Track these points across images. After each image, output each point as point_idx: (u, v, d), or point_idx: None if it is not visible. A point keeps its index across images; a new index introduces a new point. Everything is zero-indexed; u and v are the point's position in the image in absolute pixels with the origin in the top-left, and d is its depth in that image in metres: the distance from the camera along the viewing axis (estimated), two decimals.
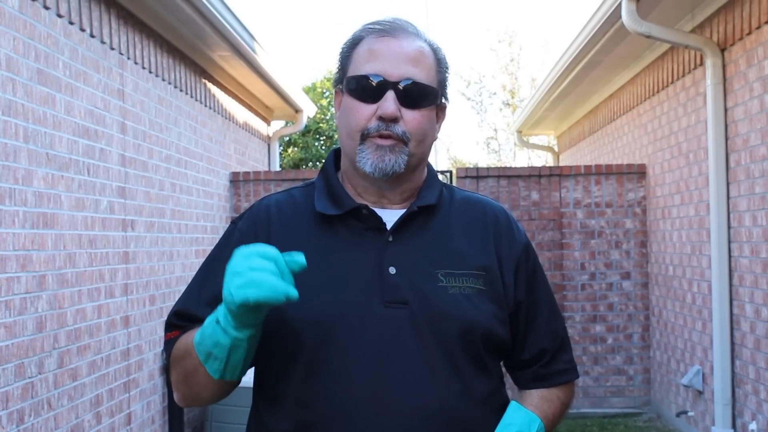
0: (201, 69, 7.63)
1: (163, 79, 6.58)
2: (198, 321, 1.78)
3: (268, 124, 10.92)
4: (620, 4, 6.20)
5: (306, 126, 13.36)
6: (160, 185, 6.44)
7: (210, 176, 7.89)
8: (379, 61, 1.79)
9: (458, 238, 1.86)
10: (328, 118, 15.71)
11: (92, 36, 5.22)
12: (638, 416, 8.29)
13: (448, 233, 1.87)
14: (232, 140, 8.79)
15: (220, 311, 1.64)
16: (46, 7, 4.60)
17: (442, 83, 1.87)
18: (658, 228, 7.96)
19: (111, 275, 5.45)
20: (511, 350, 1.93)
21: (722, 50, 6.12)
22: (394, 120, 1.77)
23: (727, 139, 6.11)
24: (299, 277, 1.66)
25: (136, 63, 5.98)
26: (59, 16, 4.76)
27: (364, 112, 1.79)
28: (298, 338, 1.77)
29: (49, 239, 4.58)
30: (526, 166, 15.54)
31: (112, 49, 5.55)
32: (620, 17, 6.28)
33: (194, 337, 1.72)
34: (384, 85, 1.77)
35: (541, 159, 23.23)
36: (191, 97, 7.32)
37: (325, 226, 1.84)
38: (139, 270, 5.95)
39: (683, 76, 7.04)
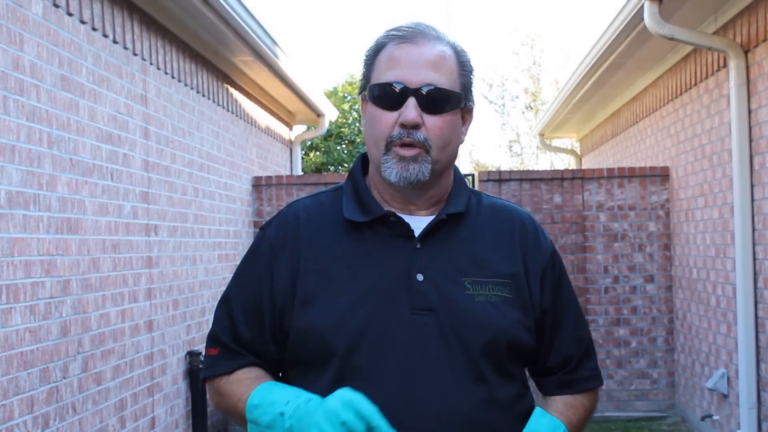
0: (223, 74, 7.66)
1: (186, 84, 6.61)
2: (242, 341, 1.87)
3: (290, 128, 10.95)
4: (642, 6, 6.17)
5: (328, 130, 13.38)
6: (183, 190, 6.47)
7: (232, 180, 7.92)
8: (400, 68, 1.79)
9: (485, 246, 1.87)
10: (349, 122, 15.73)
11: (115, 42, 5.25)
12: (662, 420, 8.24)
13: (476, 240, 1.87)
14: (254, 144, 8.81)
15: (292, 414, 1.71)
16: (70, 14, 4.63)
17: (467, 86, 1.86)
18: (682, 231, 7.91)
19: (134, 280, 5.48)
20: (536, 357, 1.94)
21: (746, 52, 6.08)
22: (416, 127, 1.77)
23: (751, 141, 6.07)
24: (328, 284, 1.76)
25: (158, 68, 6.01)
26: (82, 22, 4.80)
27: (386, 120, 1.79)
28: (327, 346, 1.78)
29: (73, 244, 4.61)
30: (548, 169, 15.49)
31: (135, 54, 5.58)
32: (642, 19, 6.25)
33: (251, 397, 1.79)
34: (405, 92, 1.77)
35: (564, 162, 23.14)
36: (214, 102, 7.35)
37: (353, 233, 1.85)
38: (162, 274, 5.98)
39: (706, 78, 7.00)
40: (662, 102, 8.30)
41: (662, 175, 8.33)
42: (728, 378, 6.72)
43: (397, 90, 1.78)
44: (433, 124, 1.78)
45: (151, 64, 5.86)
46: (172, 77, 6.31)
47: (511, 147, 26.49)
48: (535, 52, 25.22)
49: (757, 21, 5.84)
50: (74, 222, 4.63)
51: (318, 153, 15.81)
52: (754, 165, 6.03)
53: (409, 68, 1.78)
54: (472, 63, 1.89)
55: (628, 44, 7.37)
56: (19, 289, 4.03)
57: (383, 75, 1.81)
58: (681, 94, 7.69)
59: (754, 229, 6.08)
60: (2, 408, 3.85)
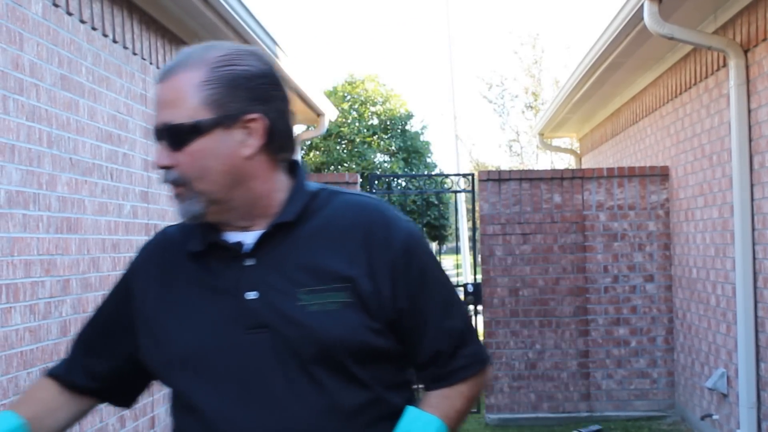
0: None
1: None
2: (83, 347, 2.01)
3: None
4: (642, 5, 6.17)
5: (327, 130, 13.39)
6: None
7: None
8: (154, 111, 1.81)
9: (324, 251, 1.81)
10: (349, 121, 15.75)
11: (115, 41, 5.25)
12: (662, 419, 8.24)
13: (313, 247, 1.82)
14: None
15: None
16: (69, 13, 4.63)
17: (224, 101, 1.75)
18: (682, 230, 7.92)
19: None
20: (406, 355, 1.89)
21: (745, 51, 6.09)
22: (169, 167, 1.77)
23: (750, 140, 6.07)
24: (166, 312, 1.82)
25: (158, 68, 6.01)
26: (82, 21, 4.80)
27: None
28: (168, 377, 1.85)
29: (73, 244, 4.62)
30: (548, 168, 15.50)
31: (135, 54, 5.58)
32: (642, 19, 6.25)
33: None
34: (155, 135, 1.79)
35: (564, 161, 23.15)
36: None
37: (196, 260, 1.85)
38: None
39: (706, 77, 7.00)
40: (662, 101, 8.30)
41: (662, 174, 8.33)
42: (728, 377, 6.72)
43: (154, 134, 1.80)
44: (181, 160, 1.76)
45: (150, 63, 5.86)
46: None
47: (510, 147, 26.49)
48: (536, 52, 25.19)
49: (756, 20, 5.84)
50: (74, 221, 4.63)
51: (318, 152, 15.83)
52: (754, 164, 6.03)
53: (156, 110, 1.79)
54: (250, 69, 1.78)
55: (628, 44, 7.37)
56: (18, 288, 4.04)
57: None
58: (681, 93, 7.70)
59: (753, 229, 6.08)
60: (2, 408, 3.85)
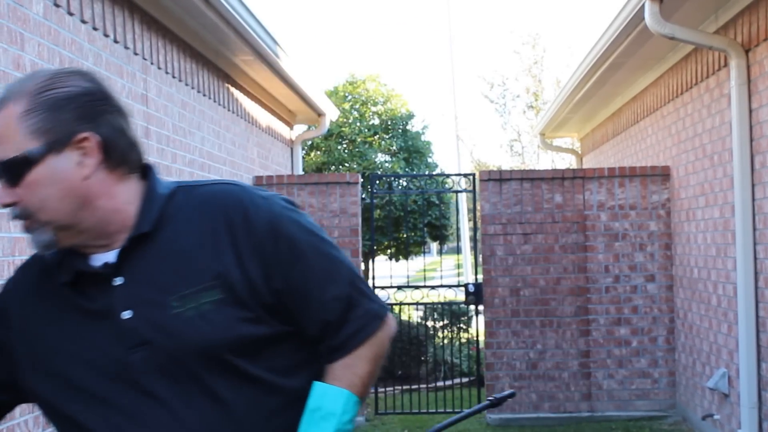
0: (224, 73, 7.66)
1: (187, 84, 6.62)
2: None
3: (291, 128, 10.95)
4: (643, 5, 6.17)
5: (329, 130, 13.39)
6: None
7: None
8: None
9: (188, 253, 1.77)
10: (350, 121, 15.75)
11: (116, 41, 5.25)
12: (663, 419, 8.24)
13: (176, 251, 1.78)
14: (255, 144, 8.82)
15: None
16: (71, 13, 4.64)
17: (46, 128, 1.70)
18: (683, 230, 7.91)
19: None
20: (297, 333, 1.84)
21: (746, 51, 6.08)
22: (10, 205, 1.74)
23: (752, 140, 6.07)
24: (44, 349, 1.77)
25: (159, 68, 6.01)
26: (83, 21, 4.80)
27: None
28: (55, 406, 1.81)
29: None
30: (549, 168, 15.50)
31: (136, 54, 5.58)
32: (643, 19, 6.25)
33: None
34: None
35: (565, 161, 23.14)
36: (214, 101, 7.35)
37: (68, 287, 1.81)
38: None
39: (707, 77, 7.00)
40: (663, 101, 8.30)
41: (663, 174, 8.33)
42: (729, 377, 6.72)
43: None
44: (21, 194, 1.72)
45: (151, 63, 5.86)
46: (173, 77, 6.31)
47: (512, 146, 26.49)
48: (537, 52, 25.19)
49: (757, 20, 5.84)
50: None
51: (319, 152, 15.83)
52: (755, 164, 6.03)
53: None
54: (73, 90, 1.74)
55: (629, 43, 7.37)
56: None
57: None
58: (682, 93, 7.69)
59: (754, 229, 6.08)
60: None
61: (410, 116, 15.97)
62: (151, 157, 5.77)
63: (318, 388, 1.81)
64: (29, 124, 1.70)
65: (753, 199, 6.07)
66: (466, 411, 2.62)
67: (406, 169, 14.83)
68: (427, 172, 14.72)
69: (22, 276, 1.91)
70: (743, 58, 6.08)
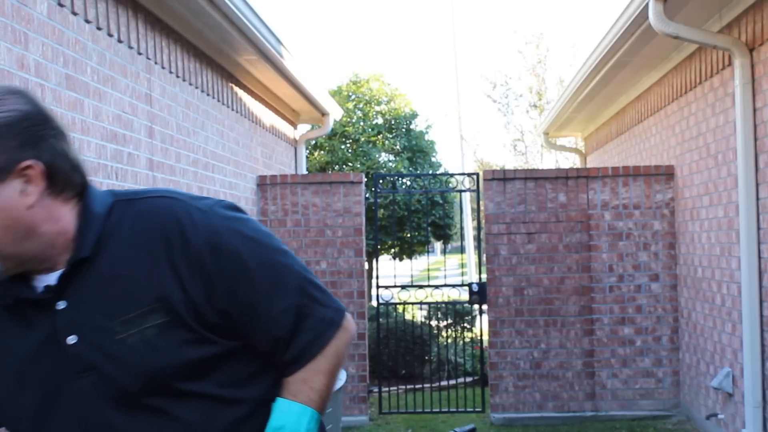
0: (228, 73, 7.67)
1: (191, 84, 6.62)
2: None
3: (295, 127, 10.95)
4: (647, 4, 6.16)
5: (332, 129, 13.38)
6: (188, 189, 6.47)
7: (237, 180, 7.92)
8: None
9: (127, 276, 1.72)
10: (354, 121, 15.73)
11: (120, 41, 5.25)
12: (667, 419, 8.23)
13: (116, 275, 1.73)
14: (258, 144, 8.82)
15: None
16: (74, 13, 4.64)
17: None
18: (687, 229, 7.91)
19: None
20: (249, 346, 1.81)
21: (750, 50, 6.08)
22: None
23: (756, 139, 6.06)
24: None
25: (163, 67, 6.01)
26: (87, 21, 4.80)
27: None
28: None
29: None
30: (553, 168, 15.48)
31: (140, 53, 5.58)
32: (647, 18, 6.25)
33: None
34: None
35: (569, 161, 23.13)
36: (218, 101, 7.35)
37: (10, 312, 1.77)
38: None
39: (711, 76, 6.99)
40: (667, 100, 8.29)
41: (667, 173, 8.32)
42: (733, 377, 6.71)
43: None
44: None
45: (155, 63, 5.86)
46: (177, 76, 6.31)
47: (515, 146, 26.47)
48: (540, 52, 25.15)
49: (762, 19, 5.83)
50: None
51: (322, 152, 15.81)
52: (759, 163, 6.02)
53: None
54: (11, 115, 1.67)
55: (633, 43, 7.36)
56: None
57: None
58: (686, 92, 7.69)
59: (759, 228, 6.07)
60: None
61: (414, 116, 15.96)
62: (155, 156, 5.78)
63: (280, 405, 1.79)
64: None
65: (757, 198, 6.06)
66: None
67: (410, 169, 14.82)
68: (430, 172, 14.71)
69: None
70: (747, 57, 6.08)
